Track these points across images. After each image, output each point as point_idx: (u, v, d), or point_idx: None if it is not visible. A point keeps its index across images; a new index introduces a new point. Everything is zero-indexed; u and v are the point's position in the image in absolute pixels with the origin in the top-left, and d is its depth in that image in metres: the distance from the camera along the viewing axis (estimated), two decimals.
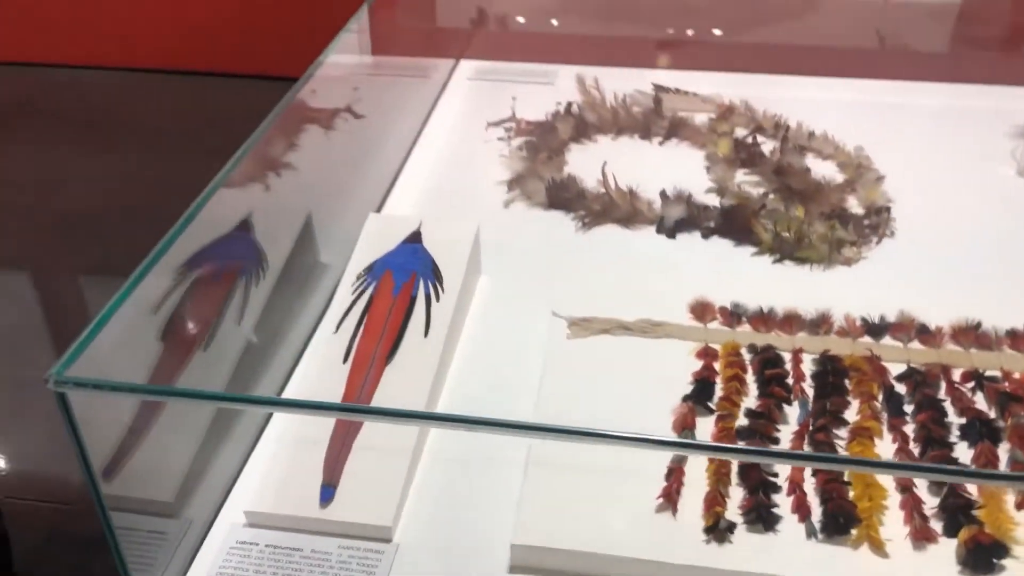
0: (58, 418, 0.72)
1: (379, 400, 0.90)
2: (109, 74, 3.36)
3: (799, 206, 1.21)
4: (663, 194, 1.23)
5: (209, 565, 0.81)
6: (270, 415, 0.95)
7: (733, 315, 0.98)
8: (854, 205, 1.25)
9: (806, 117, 1.42)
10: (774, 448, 0.81)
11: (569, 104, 1.46)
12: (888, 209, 1.21)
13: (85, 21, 3.37)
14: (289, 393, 0.97)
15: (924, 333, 0.94)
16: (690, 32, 1.83)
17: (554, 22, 1.84)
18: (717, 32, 1.83)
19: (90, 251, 2.04)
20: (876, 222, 1.20)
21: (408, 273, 1.02)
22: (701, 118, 1.44)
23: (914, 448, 0.83)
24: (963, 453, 0.83)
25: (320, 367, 0.95)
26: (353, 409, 0.84)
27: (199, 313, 0.94)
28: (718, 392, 0.89)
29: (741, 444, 0.84)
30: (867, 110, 1.49)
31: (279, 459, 0.87)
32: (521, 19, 1.90)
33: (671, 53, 1.73)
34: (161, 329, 0.89)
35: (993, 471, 0.78)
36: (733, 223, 1.20)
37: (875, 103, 1.51)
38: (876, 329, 0.95)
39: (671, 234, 1.21)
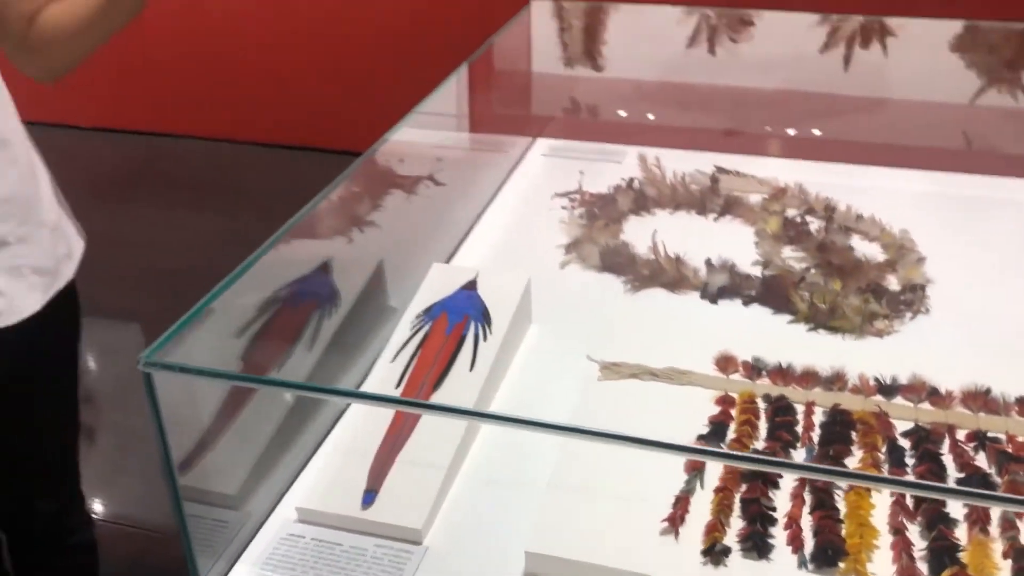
0: (157, 466, 0.84)
1: (424, 421, 1.00)
2: (220, 145, 3.66)
3: (837, 280, 1.29)
4: (708, 262, 1.32)
5: (260, 553, 0.92)
6: (328, 430, 1.06)
7: (754, 369, 1.05)
8: (892, 283, 1.31)
9: (857, 202, 1.50)
10: (777, 459, 0.88)
11: (631, 180, 1.57)
12: (923, 287, 1.27)
13: (199, 97, 3.69)
14: (349, 411, 1.09)
15: (934, 395, 1.00)
16: (757, 123, 1.94)
17: (622, 113, 1.97)
18: (783, 125, 1.93)
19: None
20: (911, 299, 1.26)
21: (461, 315, 1.13)
22: (756, 198, 1.54)
23: (911, 503, 0.89)
24: (957, 508, 0.88)
25: (376, 389, 1.06)
26: (410, 403, 0.96)
27: (277, 337, 1.07)
28: (731, 435, 0.97)
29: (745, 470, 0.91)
30: (918, 198, 1.55)
31: (331, 465, 0.99)
32: (599, 104, 2.04)
33: (735, 140, 1.83)
34: (242, 351, 1.03)
35: (980, 491, 0.82)
36: (773, 292, 1.28)
37: (926, 192, 1.57)
38: (888, 389, 1.02)
39: (713, 300, 1.29)
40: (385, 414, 1.02)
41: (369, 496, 0.93)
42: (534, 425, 0.79)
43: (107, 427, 2.32)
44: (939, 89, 1.93)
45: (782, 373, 1.04)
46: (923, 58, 1.98)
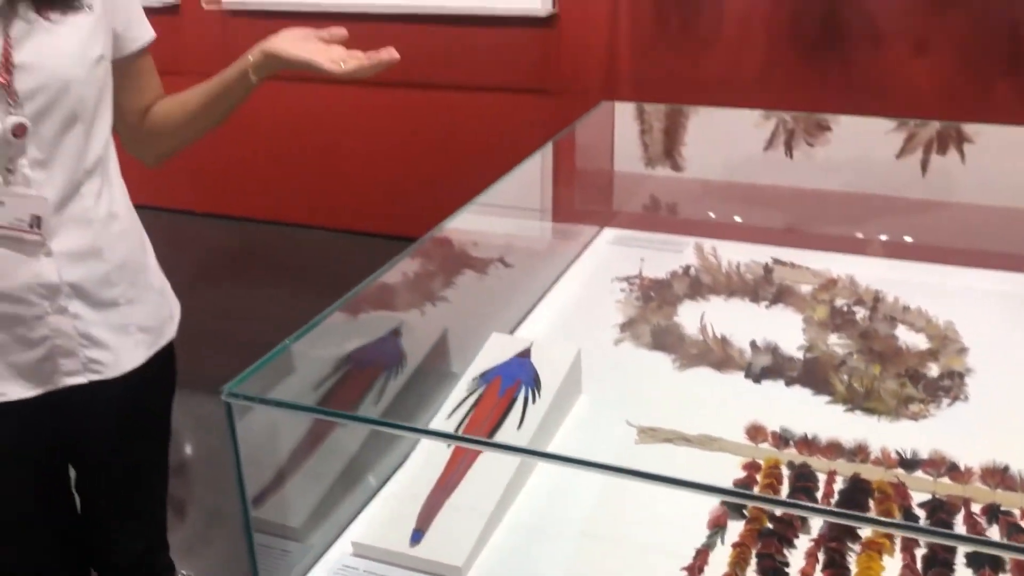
0: (241, 543, 0.96)
1: (473, 471, 1.10)
2: (318, 232, 3.90)
3: (877, 365, 1.34)
4: (753, 344, 1.40)
5: None
6: (389, 475, 1.17)
7: (781, 439, 1.12)
8: (933, 370, 1.36)
9: (907, 296, 1.56)
10: (803, 502, 0.94)
11: (688, 267, 1.67)
12: (962, 375, 1.32)
13: (298, 187, 3.96)
14: (407, 466, 1.19)
15: (953, 470, 1.05)
16: (821, 221, 2.02)
17: (690, 207, 2.08)
18: (847, 225, 2.01)
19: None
20: (949, 385, 1.31)
21: (514, 379, 1.24)
22: (807, 288, 1.61)
23: (920, 566, 0.94)
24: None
25: (432, 444, 1.17)
26: (464, 439, 1.07)
27: (347, 388, 1.20)
28: None
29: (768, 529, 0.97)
30: (969, 295, 1.60)
31: (386, 505, 1.09)
32: (668, 199, 2.16)
33: (797, 235, 1.91)
34: (317, 398, 1.15)
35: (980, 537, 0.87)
36: (813, 374, 1.34)
37: (978, 288, 1.62)
38: (909, 463, 1.07)
39: (757, 379, 1.36)
40: (438, 462, 1.12)
41: (417, 535, 1.03)
42: (570, 461, 0.89)
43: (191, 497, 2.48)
44: (1008, 194, 1.99)
45: (807, 443, 1.11)
46: (994, 164, 2.04)
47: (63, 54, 1.16)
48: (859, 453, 1.09)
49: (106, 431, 1.34)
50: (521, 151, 1.82)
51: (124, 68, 1.28)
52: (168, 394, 1.44)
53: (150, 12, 1.38)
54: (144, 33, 1.32)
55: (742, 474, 1.07)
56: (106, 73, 1.24)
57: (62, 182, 1.18)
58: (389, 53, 1.27)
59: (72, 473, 1.41)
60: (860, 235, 1.96)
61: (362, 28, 3.71)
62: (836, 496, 1.03)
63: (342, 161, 3.91)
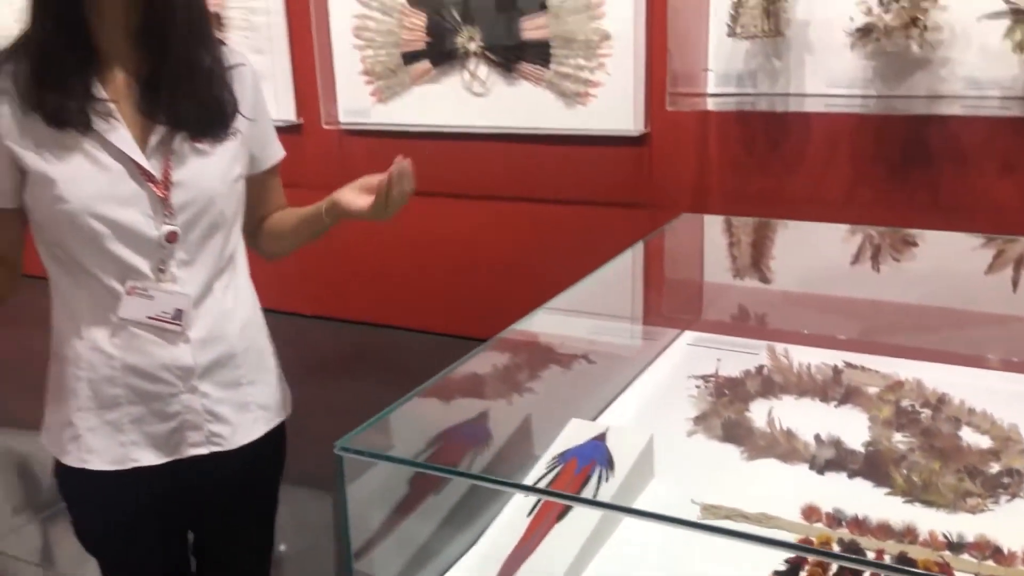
0: None
1: (546, 542, 1.22)
2: (419, 335, 4.11)
3: (937, 460, 1.41)
4: (817, 437, 1.49)
5: None
6: (472, 542, 1.29)
7: (835, 519, 1.20)
8: (994, 468, 1.42)
9: (976, 401, 1.62)
10: (843, 553, 1.02)
11: (761, 367, 1.77)
12: (1021, 473, 1.38)
13: (402, 292, 4.19)
14: (489, 533, 1.32)
15: (998, 553, 1.11)
16: (899, 330, 2.09)
17: (770, 314, 2.18)
18: (924, 335, 2.07)
19: None
20: (1008, 482, 1.36)
21: (589, 460, 1.36)
22: (875, 389, 1.69)
23: None
24: None
25: (512, 516, 1.29)
26: (553, 493, 1.20)
27: (439, 461, 1.34)
28: (803, 573, 1.12)
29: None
30: None
31: (468, 565, 1.22)
32: (749, 307, 2.27)
33: (868, 343, 1.99)
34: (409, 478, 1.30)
35: None
36: (875, 467, 1.42)
37: None
38: (955, 545, 1.14)
39: (820, 471, 1.45)
40: (515, 533, 1.25)
41: None
42: (644, 515, 1.01)
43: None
44: None
45: (858, 523, 1.19)
46: None
47: (211, 175, 1.39)
48: (907, 535, 1.16)
49: (222, 498, 1.51)
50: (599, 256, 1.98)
51: (256, 182, 1.51)
52: (278, 469, 1.61)
53: (277, 130, 1.62)
54: (275, 153, 1.55)
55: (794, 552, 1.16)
56: (242, 187, 1.46)
57: (202, 279, 1.40)
58: (398, 165, 1.46)
59: (190, 536, 1.58)
60: (934, 345, 2.02)
61: (465, 147, 4.04)
62: (883, 574, 1.10)
63: (442, 268, 4.15)
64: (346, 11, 4.01)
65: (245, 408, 1.47)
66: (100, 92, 1.29)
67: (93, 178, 1.28)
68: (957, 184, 3.15)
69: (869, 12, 3.02)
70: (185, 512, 1.51)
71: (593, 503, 1.21)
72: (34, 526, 3.01)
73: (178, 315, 1.36)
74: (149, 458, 1.40)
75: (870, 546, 1.15)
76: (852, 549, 1.14)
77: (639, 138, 3.61)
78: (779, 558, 1.15)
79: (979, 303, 2.15)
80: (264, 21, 4.21)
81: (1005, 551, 1.12)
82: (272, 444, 1.53)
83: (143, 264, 1.33)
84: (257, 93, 1.49)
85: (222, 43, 1.44)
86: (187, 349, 1.38)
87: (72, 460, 1.37)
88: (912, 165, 3.23)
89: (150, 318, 1.35)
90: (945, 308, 2.16)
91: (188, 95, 1.34)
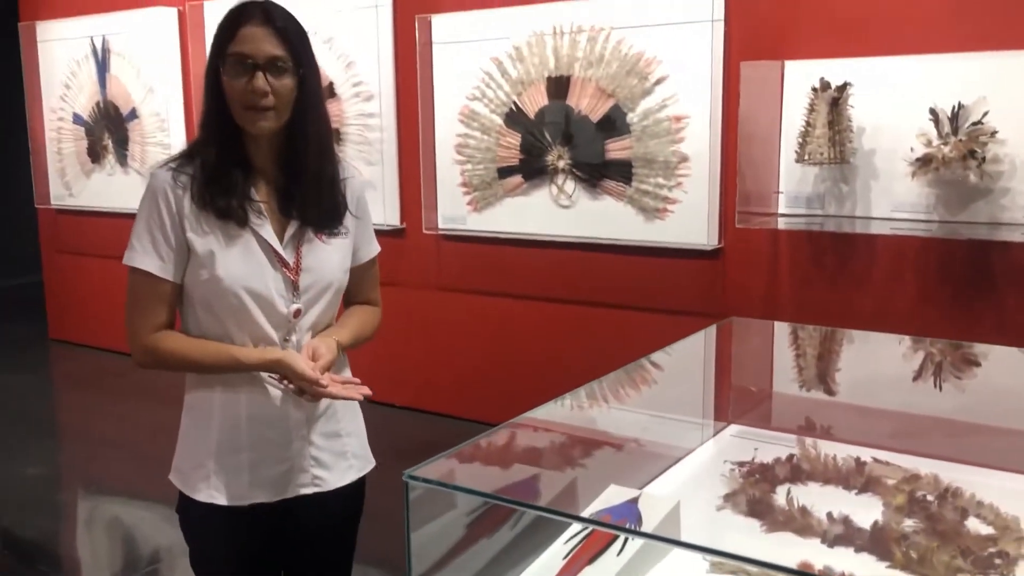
0: None
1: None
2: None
3: (936, 541, 1.58)
4: (829, 515, 1.68)
5: None
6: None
7: (825, 574, 1.39)
8: (988, 550, 1.58)
9: (986, 496, 1.77)
10: None
11: (791, 456, 1.97)
12: (1009, 555, 1.53)
13: (484, 387, 4.46)
14: (529, 569, 1.55)
15: None
16: (924, 435, 2.24)
17: (816, 417, 2.36)
18: (961, 446, 2.22)
19: None
20: (999, 563, 1.52)
21: (620, 517, 1.58)
22: (893, 481, 1.86)
23: None
24: None
25: (549, 557, 1.53)
26: (599, 523, 1.43)
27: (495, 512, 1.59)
28: None
29: None
30: None
31: None
32: (798, 408, 2.46)
33: (901, 443, 2.16)
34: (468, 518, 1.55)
35: None
36: (879, 544, 1.60)
37: None
38: None
39: (831, 545, 1.63)
40: (553, 570, 1.47)
41: None
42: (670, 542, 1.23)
43: None
44: None
45: None
46: None
47: (330, 263, 1.72)
48: None
49: (316, 536, 1.78)
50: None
51: (356, 271, 1.83)
52: (360, 510, 1.87)
53: (382, 233, 1.95)
54: (373, 249, 1.88)
55: None
56: (348, 277, 1.79)
57: None
58: (360, 391, 1.67)
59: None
60: (964, 450, 2.16)
61: (552, 254, 4.43)
62: None
63: (518, 365, 4.41)
64: (450, 130, 4.47)
65: (343, 456, 1.76)
66: (255, 196, 1.65)
67: (245, 261, 1.62)
68: (1021, 307, 3.28)
69: (929, 143, 3.26)
70: (284, 547, 1.78)
71: (638, 533, 1.43)
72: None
73: None
74: (265, 496, 1.69)
75: None
76: None
77: (713, 252, 3.88)
78: None
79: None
80: (377, 136, 4.70)
81: None
82: (357, 491, 1.81)
83: (274, 334, 1.65)
84: (363, 199, 1.82)
85: (340, 159, 1.79)
86: (300, 403, 1.68)
87: (202, 496, 1.67)
88: (976, 288, 3.40)
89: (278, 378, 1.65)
90: (997, 427, 2.28)
91: (314, 201, 1.68)
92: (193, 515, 1.71)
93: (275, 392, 1.67)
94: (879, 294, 3.60)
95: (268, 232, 1.65)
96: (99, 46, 5.71)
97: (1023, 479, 1.90)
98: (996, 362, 2.67)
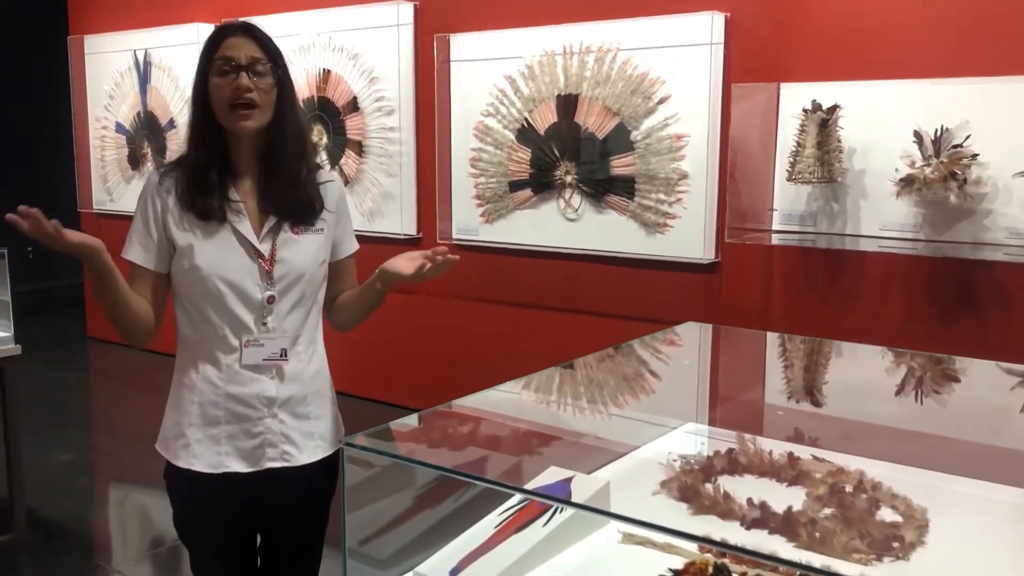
0: None
1: (507, 543, 1.61)
2: None
3: (840, 525, 1.72)
4: (749, 500, 1.82)
5: None
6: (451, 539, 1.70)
7: (720, 552, 1.54)
8: (889, 536, 1.71)
9: (907, 492, 1.90)
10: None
11: (731, 449, 2.11)
12: (904, 539, 1.67)
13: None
14: (463, 535, 1.72)
15: None
16: (870, 438, 2.36)
17: (771, 419, 2.50)
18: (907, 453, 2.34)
19: None
20: (896, 547, 1.66)
21: (554, 492, 1.75)
22: (821, 475, 2.00)
23: None
24: None
25: (482, 526, 1.70)
26: (544, 496, 1.58)
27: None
28: None
29: None
30: (967, 501, 1.92)
31: (450, 554, 1.62)
32: (750, 407, 2.60)
33: (839, 442, 2.29)
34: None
35: None
36: (789, 526, 1.74)
37: (977, 497, 1.94)
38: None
39: (748, 527, 1.78)
40: (483, 537, 1.64)
41: (455, 571, 1.55)
42: (591, 510, 1.40)
43: None
44: None
45: (735, 556, 1.52)
46: None
47: (303, 256, 1.91)
48: (768, 566, 1.49)
49: (287, 506, 1.97)
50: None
51: (335, 266, 2.02)
52: (331, 490, 2.04)
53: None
54: (351, 247, 2.06)
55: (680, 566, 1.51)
56: (325, 269, 1.98)
57: (289, 335, 1.90)
58: (446, 256, 1.88)
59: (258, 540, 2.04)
60: (904, 453, 2.28)
61: (558, 265, 4.62)
62: None
63: (527, 369, 4.57)
64: (465, 144, 4.68)
65: (310, 436, 1.94)
66: (234, 195, 1.85)
67: (222, 253, 1.83)
68: (1003, 324, 3.38)
69: (912, 164, 3.38)
70: (258, 517, 1.97)
71: (570, 504, 1.60)
72: (151, 557, 3.54)
73: (283, 353, 1.87)
74: (238, 466, 1.88)
75: (737, 570, 1.48)
76: (720, 567, 1.47)
77: (710, 265, 4.02)
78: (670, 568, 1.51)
79: (989, 427, 2.37)
80: (397, 150, 4.92)
81: None
82: (327, 468, 1.99)
83: (249, 318, 1.85)
84: (341, 201, 2.01)
85: (319, 166, 1.98)
86: (272, 385, 1.88)
87: (181, 463, 1.87)
88: (961, 305, 3.50)
89: (265, 360, 1.85)
90: (935, 428, 2.39)
91: (290, 197, 1.88)
92: (174, 480, 1.90)
93: (250, 374, 1.86)
94: (868, 309, 3.71)
95: (246, 227, 1.85)
96: (141, 59, 6.03)
97: (946, 477, 2.02)
98: (962, 374, 2.78)
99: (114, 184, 6.37)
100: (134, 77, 6.10)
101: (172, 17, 5.82)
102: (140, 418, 5.12)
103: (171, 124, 5.92)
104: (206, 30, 5.63)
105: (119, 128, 6.26)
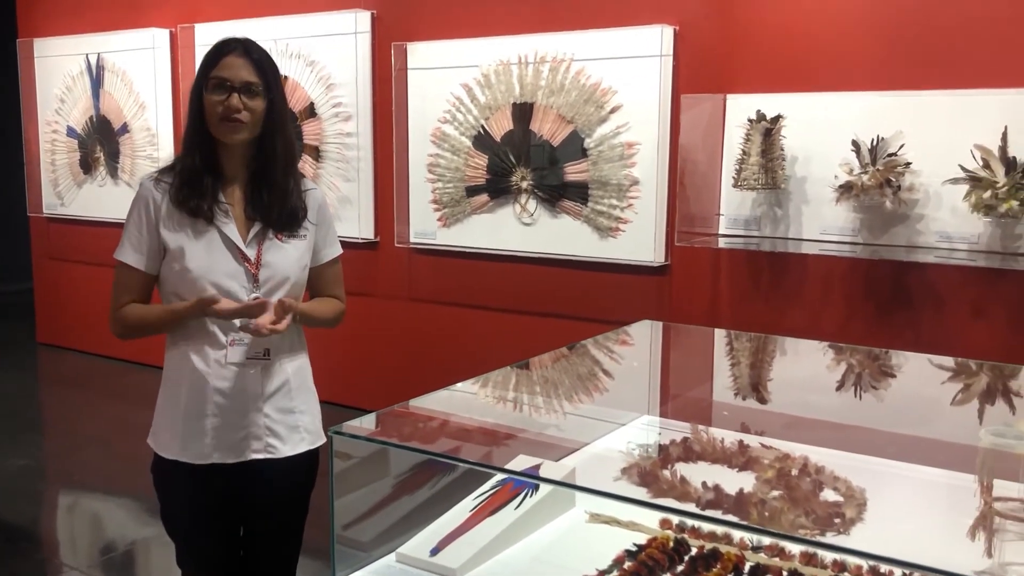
0: None
1: (487, 522, 1.73)
2: None
3: (787, 504, 1.87)
4: (704, 483, 1.96)
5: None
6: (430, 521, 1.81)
7: (678, 527, 1.68)
8: (831, 513, 1.86)
9: (850, 476, 2.06)
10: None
11: (685, 438, 2.26)
12: (844, 516, 1.82)
13: None
14: (440, 519, 1.83)
15: (781, 554, 1.57)
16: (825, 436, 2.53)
17: (726, 414, 2.65)
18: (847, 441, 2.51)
19: None
20: (838, 523, 1.81)
21: (521, 482, 1.87)
22: (769, 460, 2.15)
23: None
24: None
25: (460, 509, 1.81)
26: (522, 474, 1.69)
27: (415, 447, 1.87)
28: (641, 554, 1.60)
29: None
30: (905, 483, 2.09)
31: (426, 535, 1.73)
32: (704, 401, 2.75)
33: (785, 431, 2.45)
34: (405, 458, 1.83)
35: None
36: (741, 506, 1.88)
37: (914, 479, 2.11)
38: (755, 548, 1.60)
39: (703, 508, 1.91)
40: (460, 519, 1.76)
41: (435, 550, 1.66)
42: (568, 486, 1.51)
43: None
44: None
45: (693, 531, 1.66)
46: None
47: (287, 260, 2.00)
48: (724, 539, 1.63)
49: (270, 498, 2.06)
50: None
51: (317, 271, 2.12)
52: (312, 482, 2.14)
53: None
54: (334, 251, 2.16)
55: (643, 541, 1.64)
56: (307, 273, 2.07)
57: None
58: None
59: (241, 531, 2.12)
60: (844, 439, 2.45)
61: (514, 268, 4.74)
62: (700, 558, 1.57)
63: (482, 371, 4.69)
64: (422, 150, 4.79)
65: (295, 429, 2.03)
66: (222, 198, 1.95)
67: (210, 255, 1.92)
68: (935, 321, 3.59)
69: (851, 172, 3.58)
70: (242, 507, 2.05)
71: (552, 481, 1.72)
72: (113, 560, 3.58)
73: (267, 352, 1.97)
74: (223, 458, 1.96)
75: (695, 544, 1.62)
76: (680, 541, 1.61)
77: (660, 268, 4.18)
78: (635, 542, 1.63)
79: (920, 416, 2.54)
80: (355, 155, 5.01)
81: (788, 553, 1.57)
82: (309, 462, 2.08)
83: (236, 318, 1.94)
84: (323, 209, 2.11)
85: (302, 175, 2.08)
86: (258, 380, 1.97)
87: (169, 454, 1.96)
88: (896, 303, 3.70)
89: (249, 358, 1.95)
90: (874, 418, 2.56)
91: (277, 207, 1.98)
92: (162, 472, 1.98)
93: (236, 369, 1.95)
94: (810, 308, 3.90)
95: (232, 231, 1.94)
96: (94, 63, 6.01)
97: (882, 461, 2.18)
98: (897, 368, 2.97)
99: (65, 188, 6.33)
100: (86, 81, 6.08)
101: (126, 22, 5.83)
102: (94, 422, 5.12)
103: (124, 129, 5.92)
104: (162, 35, 5.65)
105: (70, 132, 6.24)
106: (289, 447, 2.02)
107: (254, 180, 1.99)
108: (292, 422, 2.03)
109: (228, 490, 2.00)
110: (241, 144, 1.94)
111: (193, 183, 1.92)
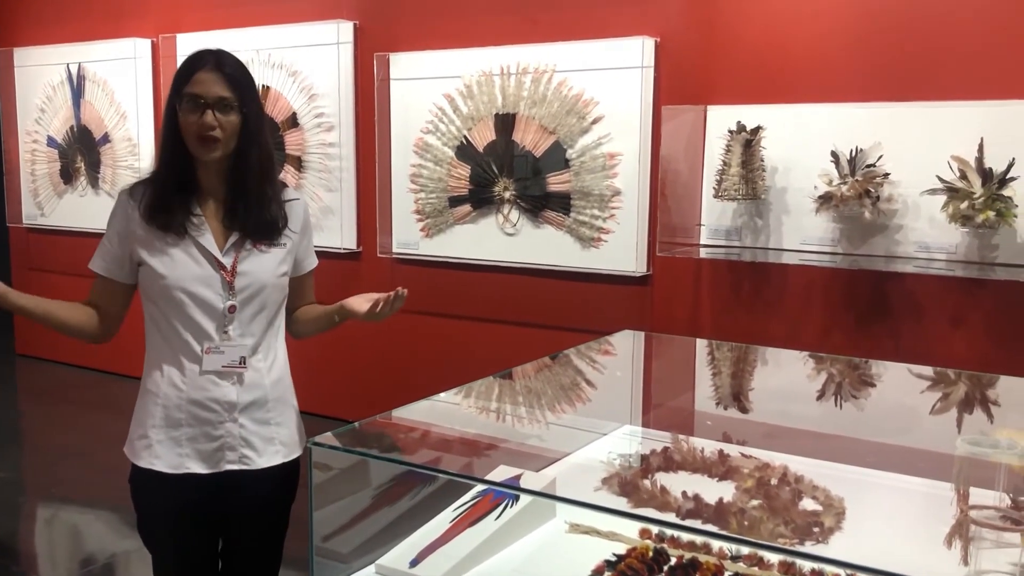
0: None
1: (467, 533, 1.73)
2: None
3: (766, 513, 1.88)
4: (684, 493, 1.97)
5: None
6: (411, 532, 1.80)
7: (658, 537, 1.69)
8: (810, 522, 1.87)
9: (829, 485, 2.07)
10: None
11: (666, 448, 2.26)
12: (823, 525, 1.83)
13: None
14: (421, 529, 1.82)
15: (760, 563, 1.57)
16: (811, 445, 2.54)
17: (708, 422, 2.66)
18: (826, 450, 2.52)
19: None
20: (816, 531, 1.82)
21: (501, 492, 1.87)
22: (748, 470, 2.16)
23: None
24: None
25: (440, 520, 1.81)
26: (503, 484, 1.69)
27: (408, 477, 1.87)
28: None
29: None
30: (880, 491, 2.10)
31: (408, 548, 1.73)
32: (683, 410, 2.76)
33: (765, 440, 2.46)
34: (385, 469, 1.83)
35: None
36: (721, 516, 1.89)
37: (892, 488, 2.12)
38: (734, 557, 1.60)
39: (683, 518, 1.92)
40: (440, 531, 1.75)
41: (415, 561, 1.66)
42: (547, 496, 1.51)
43: None
44: None
45: (672, 541, 1.67)
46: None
47: (264, 269, 2.00)
48: (703, 548, 1.64)
49: (246, 509, 2.05)
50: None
51: (294, 281, 2.11)
52: (290, 494, 2.13)
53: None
54: (312, 263, 2.16)
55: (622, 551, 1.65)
56: (286, 282, 2.07)
57: (250, 343, 1.99)
58: (397, 292, 2.01)
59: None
60: (824, 452, 2.46)
61: (497, 278, 4.75)
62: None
63: (464, 381, 4.69)
64: (405, 160, 4.79)
65: (270, 441, 2.02)
66: (196, 210, 1.95)
67: (185, 265, 1.92)
68: (914, 331, 3.62)
69: (830, 183, 3.61)
70: (218, 518, 2.04)
71: (532, 492, 1.72)
72: (96, 570, 3.55)
73: (243, 361, 1.96)
74: (197, 467, 1.95)
75: (675, 553, 1.63)
76: (660, 551, 1.61)
77: (642, 278, 4.20)
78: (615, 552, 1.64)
79: (898, 425, 2.57)
80: (337, 165, 5.00)
81: (767, 562, 1.58)
82: (287, 473, 2.07)
83: (210, 326, 1.94)
84: (305, 220, 2.11)
85: (284, 185, 2.08)
86: (233, 390, 1.96)
87: (144, 463, 1.94)
88: (876, 313, 3.73)
89: (224, 366, 1.94)
90: (852, 427, 2.58)
91: (255, 215, 1.97)
92: (137, 482, 1.97)
93: (212, 379, 1.94)
94: (790, 318, 3.93)
95: (208, 240, 1.94)
96: (75, 73, 5.99)
97: (861, 470, 2.20)
98: (876, 377, 2.99)
99: (45, 199, 6.29)
100: (67, 91, 6.05)
101: (107, 31, 5.80)
102: (73, 434, 5.07)
103: (105, 139, 5.89)
104: (143, 45, 5.63)
105: (51, 142, 6.20)
106: (264, 459, 2.01)
107: (232, 191, 1.98)
108: (268, 434, 2.02)
109: (203, 501, 1.99)
110: (217, 160, 1.94)
111: (164, 196, 1.93)
